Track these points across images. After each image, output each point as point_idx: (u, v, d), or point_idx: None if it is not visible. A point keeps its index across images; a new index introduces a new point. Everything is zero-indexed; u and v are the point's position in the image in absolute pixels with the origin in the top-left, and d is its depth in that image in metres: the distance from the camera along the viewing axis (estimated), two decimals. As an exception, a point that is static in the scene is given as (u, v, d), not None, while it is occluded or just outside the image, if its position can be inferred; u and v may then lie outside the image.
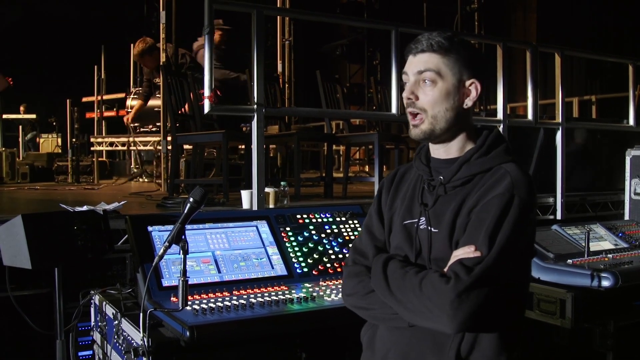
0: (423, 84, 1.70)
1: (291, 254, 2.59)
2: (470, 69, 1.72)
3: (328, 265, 2.61)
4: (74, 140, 8.62)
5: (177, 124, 5.46)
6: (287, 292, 2.31)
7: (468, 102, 1.73)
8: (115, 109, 10.65)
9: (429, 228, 1.70)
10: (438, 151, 1.78)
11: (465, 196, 1.66)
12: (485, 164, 1.69)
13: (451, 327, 1.50)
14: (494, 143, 1.72)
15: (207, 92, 3.32)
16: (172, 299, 2.19)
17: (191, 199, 1.99)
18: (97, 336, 2.53)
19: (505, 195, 1.58)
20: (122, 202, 3.38)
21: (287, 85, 8.32)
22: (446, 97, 1.69)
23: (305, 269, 2.56)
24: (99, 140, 8.89)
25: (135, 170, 8.18)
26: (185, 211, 1.98)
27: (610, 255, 3.01)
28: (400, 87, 1.82)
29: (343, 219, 2.86)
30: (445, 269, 1.57)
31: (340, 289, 2.33)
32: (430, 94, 1.69)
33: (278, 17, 8.59)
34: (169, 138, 5.86)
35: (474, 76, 1.72)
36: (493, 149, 1.71)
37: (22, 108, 12.66)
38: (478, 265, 1.50)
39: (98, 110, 9.97)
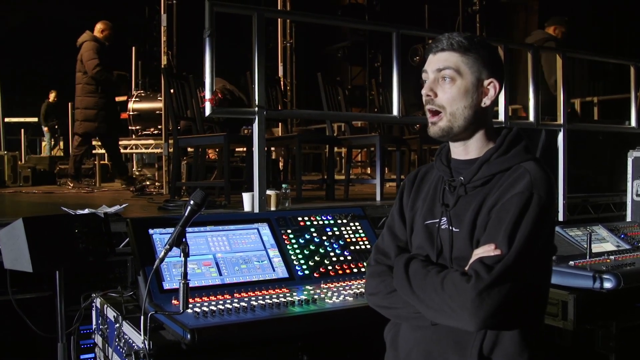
0: (442, 82, 1.72)
1: (292, 257, 2.59)
2: (489, 69, 1.74)
3: (329, 267, 2.61)
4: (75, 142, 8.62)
5: (179, 126, 5.47)
6: (288, 294, 2.31)
7: (486, 101, 1.75)
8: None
9: (451, 228, 1.71)
10: (457, 150, 1.79)
11: (486, 195, 1.68)
12: (505, 163, 1.70)
13: (473, 325, 1.52)
14: (513, 142, 1.73)
15: (208, 94, 3.32)
16: (173, 301, 2.19)
17: (192, 202, 1.99)
18: (98, 339, 2.52)
19: (525, 193, 1.60)
20: (124, 205, 3.38)
21: (288, 88, 8.33)
22: (465, 95, 1.71)
23: (307, 272, 2.56)
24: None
25: (137, 173, 8.19)
26: (186, 214, 1.98)
27: (612, 257, 3.00)
28: (419, 87, 1.83)
29: (344, 221, 2.85)
30: (466, 268, 1.58)
31: (342, 291, 2.34)
32: (449, 91, 1.71)
33: (279, 19, 8.60)
34: (171, 141, 5.87)
35: (493, 75, 1.74)
36: (512, 147, 1.72)
37: (52, 95, 12.48)
38: (498, 264, 1.52)
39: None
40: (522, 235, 1.55)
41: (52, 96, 12.46)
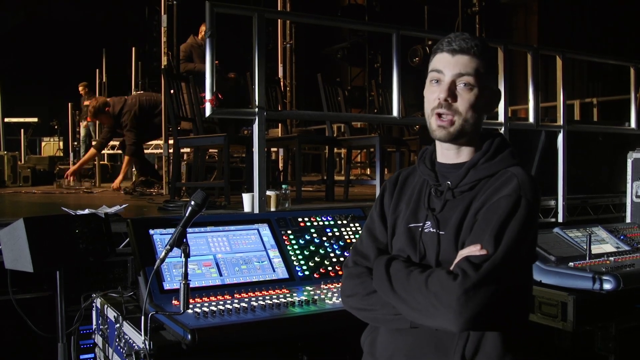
0: (460, 87, 1.68)
1: (292, 257, 2.59)
2: (496, 75, 1.75)
3: (329, 268, 2.61)
4: (75, 143, 8.62)
5: (179, 127, 5.47)
6: (288, 295, 2.31)
7: (493, 108, 1.76)
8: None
9: (437, 231, 1.69)
10: (449, 153, 1.76)
11: (472, 199, 1.67)
12: (492, 167, 1.69)
13: (457, 325, 1.48)
14: (499, 148, 1.73)
15: (208, 95, 3.32)
16: (173, 302, 2.19)
17: (192, 202, 1.99)
18: (98, 339, 2.53)
19: (513, 196, 1.59)
20: (124, 205, 3.38)
21: (288, 89, 8.33)
22: (480, 103, 1.69)
23: (307, 272, 2.56)
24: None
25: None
26: (187, 214, 1.98)
27: (612, 258, 3.00)
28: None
29: (344, 222, 2.86)
30: (452, 267, 1.55)
31: (340, 291, 2.34)
32: (467, 97, 1.67)
33: (279, 20, 8.60)
34: (171, 141, 5.87)
35: (497, 82, 1.74)
36: (499, 153, 1.72)
37: (81, 88, 12.19)
38: (485, 263, 1.50)
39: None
40: (510, 237, 1.54)
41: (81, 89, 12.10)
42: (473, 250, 1.55)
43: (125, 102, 6.64)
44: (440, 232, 1.68)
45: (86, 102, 9.39)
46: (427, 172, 1.79)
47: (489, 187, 1.65)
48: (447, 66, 1.69)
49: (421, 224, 1.73)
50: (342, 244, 2.74)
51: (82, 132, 11.60)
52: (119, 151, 8.97)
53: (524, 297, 1.72)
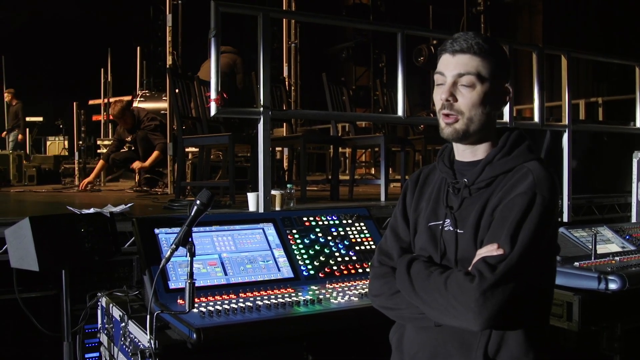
0: (461, 87, 1.69)
1: (297, 257, 2.59)
2: (504, 73, 1.73)
3: (334, 267, 2.61)
4: (80, 142, 8.64)
5: (184, 126, 5.48)
6: (293, 294, 2.31)
7: (501, 106, 1.76)
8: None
9: (456, 229, 1.71)
10: (465, 153, 1.77)
11: (489, 196, 1.67)
12: (508, 163, 1.69)
13: (477, 325, 1.51)
14: (515, 142, 1.73)
15: (213, 94, 3.33)
16: (178, 301, 2.19)
17: (198, 202, 1.99)
18: (103, 338, 2.53)
19: (528, 193, 1.59)
20: (129, 205, 3.39)
21: (293, 88, 8.32)
22: (483, 101, 1.68)
23: (312, 272, 2.56)
24: (106, 142, 8.91)
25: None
26: (192, 214, 1.98)
27: (617, 258, 2.99)
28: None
29: (349, 221, 2.86)
30: (469, 268, 1.57)
31: (347, 291, 2.34)
32: (468, 96, 1.68)
33: (284, 19, 8.60)
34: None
35: (507, 80, 1.74)
36: (515, 148, 1.72)
37: (6, 94, 11.97)
38: (501, 263, 1.51)
39: (105, 113, 9.99)
40: (525, 235, 1.55)
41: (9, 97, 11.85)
42: (490, 249, 1.56)
43: (148, 112, 6.83)
44: (459, 231, 1.70)
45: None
46: (446, 169, 1.80)
47: (505, 184, 1.66)
48: (447, 67, 1.71)
49: (441, 222, 1.75)
50: (347, 243, 2.74)
51: (11, 144, 11.46)
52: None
53: (544, 294, 1.73)
